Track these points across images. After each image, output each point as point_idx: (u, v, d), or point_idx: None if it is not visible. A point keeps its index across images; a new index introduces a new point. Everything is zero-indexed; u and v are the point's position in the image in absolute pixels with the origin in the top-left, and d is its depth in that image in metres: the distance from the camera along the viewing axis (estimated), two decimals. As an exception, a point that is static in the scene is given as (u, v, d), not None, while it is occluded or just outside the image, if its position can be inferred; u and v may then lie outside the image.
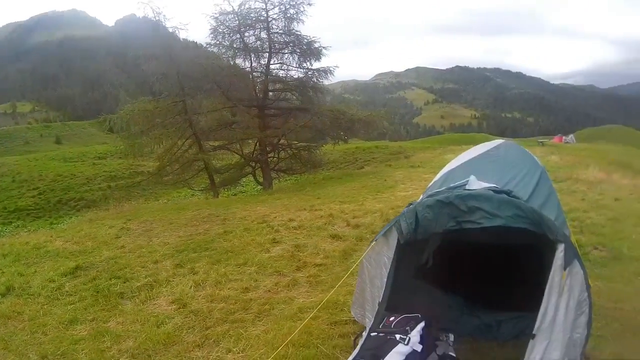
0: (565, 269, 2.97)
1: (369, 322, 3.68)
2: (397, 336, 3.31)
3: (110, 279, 5.94)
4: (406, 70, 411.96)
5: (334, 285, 4.65)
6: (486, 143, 5.31)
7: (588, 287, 3.15)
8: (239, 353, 4.00)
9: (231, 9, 17.64)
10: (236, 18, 17.77)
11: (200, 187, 19.87)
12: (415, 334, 3.32)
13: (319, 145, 20.07)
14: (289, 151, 19.61)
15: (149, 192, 20.41)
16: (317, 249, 6.64)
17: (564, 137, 42.49)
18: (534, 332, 3.01)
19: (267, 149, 18.97)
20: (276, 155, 19.72)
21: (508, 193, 3.14)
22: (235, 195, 19.03)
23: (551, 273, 2.97)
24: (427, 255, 4.41)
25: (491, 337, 4.06)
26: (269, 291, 5.35)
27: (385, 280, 3.57)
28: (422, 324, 3.43)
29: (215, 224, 8.85)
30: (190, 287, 5.53)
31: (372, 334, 3.48)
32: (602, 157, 19.26)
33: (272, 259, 6.33)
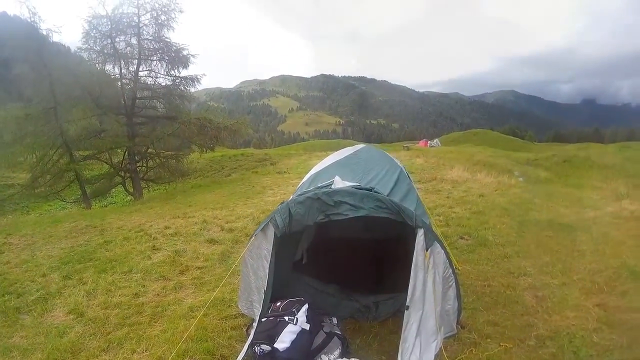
0: (427, 249, 3.55)
1: (257, 312, 4.05)
2: (286, 318, 3.79)
3: (3, 295, 5.71)
4: (271, 77, 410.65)
5: (218, 284, 5.15)
6: (348, 147, 5.88)
7: (451, 264, 3.74)
8: (143, 352, 4.19)
9: (105, 12, 16.97)
10: (108, 22, 17.12)
11: (72, 199, 18.69)
12: (301, 315, 3.81)
13: (186, 154, 19.95)
14: (157, 160, 19.24)
15: (21, 205, 18.61)
16: (196, 253, 6.98)
17: (429, 142, 45.34)
18: (407, 304, 3.52)
19: (136, 158, 18.46)
20: (145, 165, 19.24)
21: (370, 189, 3.71)
22: (106, 206, 18.21)
23: (415, 254, 3.51)
24: (301, 252, 4.97)
25: (371, 317, 4.59)
26: (158, 295, 5.58)
27: (268, 270, 3.93)
28: (306, 306, 3.92)
29: (95, 234, 8.68)
30: (83, 296, 5.55)
31: (263, 319, 3.90)
32: (467, 159, 21.30)
33: (155, 265, 6.52)
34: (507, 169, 18.93)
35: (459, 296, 3.85)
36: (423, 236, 3.55)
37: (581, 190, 12.75)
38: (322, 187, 4.05)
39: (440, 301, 3.68)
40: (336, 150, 6.08)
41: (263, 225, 3.97)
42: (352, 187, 3.80)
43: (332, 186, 3.90)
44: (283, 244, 4.10)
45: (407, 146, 37.24)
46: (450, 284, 3.75)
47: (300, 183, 5.29)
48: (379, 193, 3.69)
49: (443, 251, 3.64)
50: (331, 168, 4.91)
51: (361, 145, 6.08)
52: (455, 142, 52.00)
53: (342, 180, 4.01)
